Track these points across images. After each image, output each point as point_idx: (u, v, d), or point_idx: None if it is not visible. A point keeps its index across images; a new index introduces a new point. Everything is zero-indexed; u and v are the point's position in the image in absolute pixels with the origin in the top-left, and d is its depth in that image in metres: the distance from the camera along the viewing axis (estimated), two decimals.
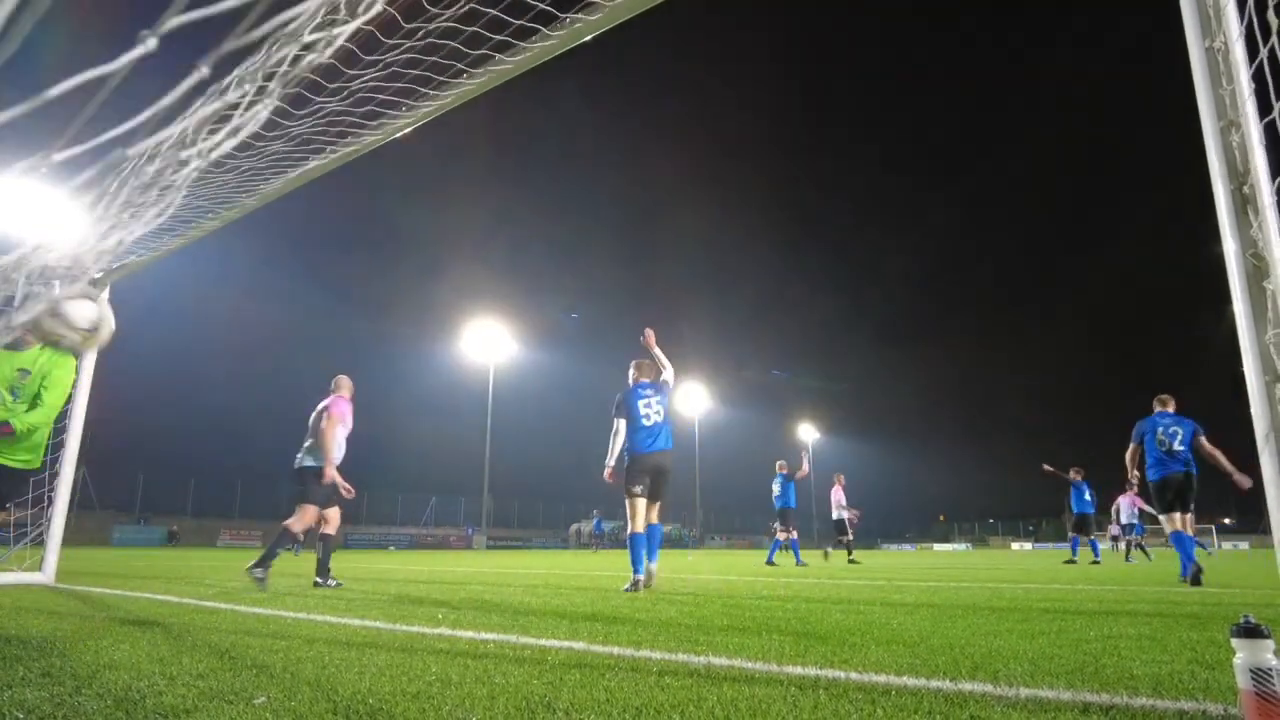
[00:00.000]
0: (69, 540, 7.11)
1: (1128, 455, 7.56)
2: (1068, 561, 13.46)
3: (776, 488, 13.34)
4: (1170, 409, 7.40)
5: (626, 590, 5.53)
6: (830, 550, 15.05)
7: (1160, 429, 7.24)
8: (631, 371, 6.38)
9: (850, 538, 15.00)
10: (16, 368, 3.95)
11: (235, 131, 1.18)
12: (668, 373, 6.32)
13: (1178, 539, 6.99)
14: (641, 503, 5.85)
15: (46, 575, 5.79)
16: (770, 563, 12.38)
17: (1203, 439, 7.10)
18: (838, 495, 15.16)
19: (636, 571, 5.64)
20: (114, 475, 35.88)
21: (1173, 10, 1.68)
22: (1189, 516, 7.21)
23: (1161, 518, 7.32)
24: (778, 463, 13.48)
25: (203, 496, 39.93)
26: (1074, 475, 13.74)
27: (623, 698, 1.85)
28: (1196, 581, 6.67)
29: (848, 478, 15.48)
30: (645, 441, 5.95)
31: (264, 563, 5.61)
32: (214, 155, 1.23)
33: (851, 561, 14.34)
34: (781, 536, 12.81)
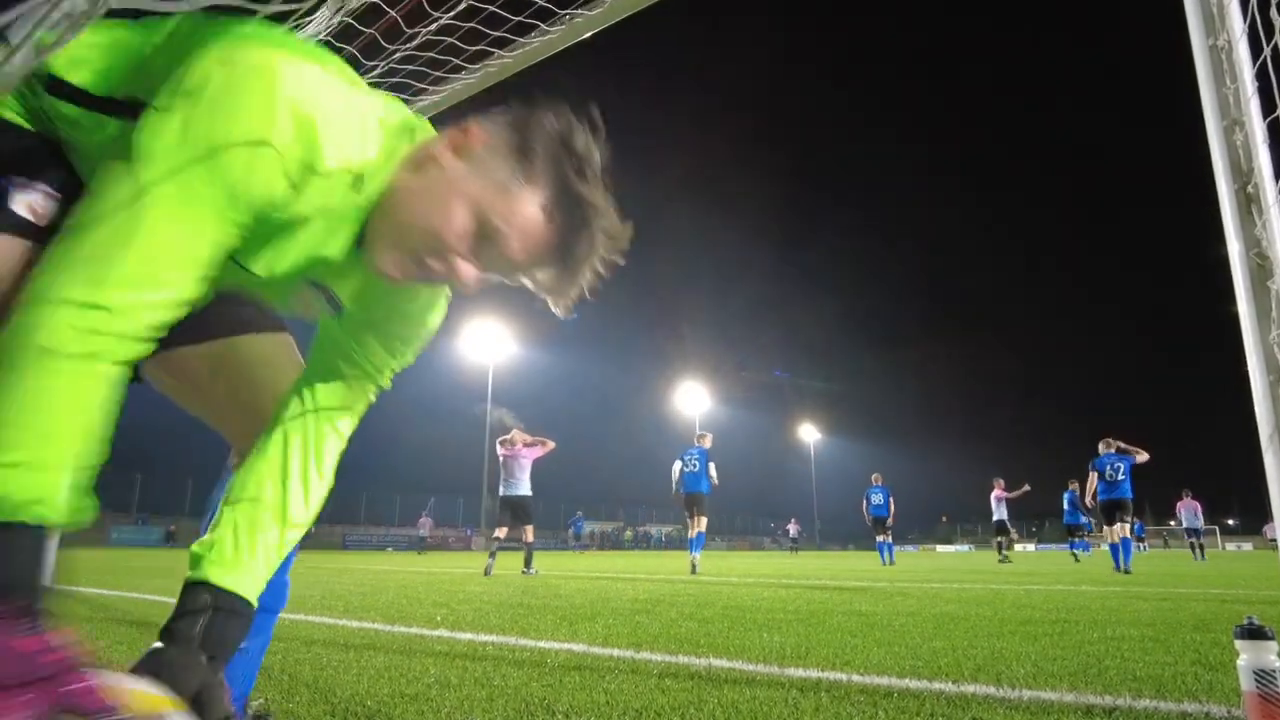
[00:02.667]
0: (66, 540, 7.10)
1: (1088, 485, 10.61)
2: (1075, 559, 14.99)
3: (878, 498, 14.44)
4: (1113, 449, 10.40)
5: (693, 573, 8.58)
6: (1000, 552, 15.84)
7: (1108, 466, 10.36)
8: (695, 437, 10.57)
9: (1013, 536, 16.10)
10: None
11: None
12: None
13: (1113, 548, 9.93)
14: (692, 519, 9.99)
15: (44, 575, 5.77)
16: (889, 562, 13.68)
17: (1138, 461, 10.29)
18: (1001, 496, 15.90)
19: (692, 554, 9.42)
20: (112, 475, 35.69)
21: (1175, 8, 1.67)
22: (1128, 525, 10.11)
23: (1105, 529, 10.26)
24: (874, 476, 14.80)
25: (201, 497, 39.62)
26: (1070, 485, 15.31)
27: (623, 700, 1.84)
28: (1127, 570, 9.35)
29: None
30: (687, 481, 10.19)
31: (529, 563, 8.79)
32: None
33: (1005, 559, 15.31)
34: (881, 538, 14.24)
